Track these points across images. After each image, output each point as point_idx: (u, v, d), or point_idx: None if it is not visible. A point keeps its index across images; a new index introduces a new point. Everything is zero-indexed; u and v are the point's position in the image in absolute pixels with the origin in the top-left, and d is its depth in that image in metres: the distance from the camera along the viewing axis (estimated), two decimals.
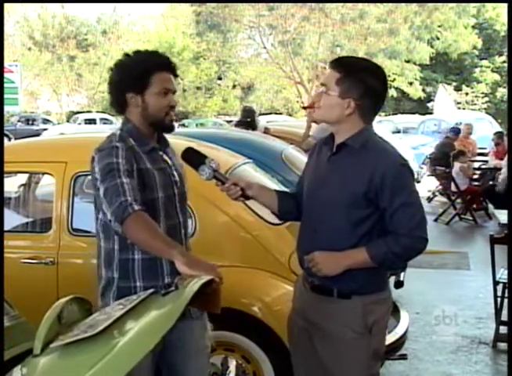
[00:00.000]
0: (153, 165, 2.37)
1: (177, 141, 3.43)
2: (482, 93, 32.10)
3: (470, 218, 9.79)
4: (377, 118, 21.90)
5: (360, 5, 27.28)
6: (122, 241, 2.32)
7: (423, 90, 32.25)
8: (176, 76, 2.45)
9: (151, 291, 1.84)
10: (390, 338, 3.37)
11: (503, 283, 4.67)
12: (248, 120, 7.37)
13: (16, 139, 21.14)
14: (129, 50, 2.55)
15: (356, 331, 2.30)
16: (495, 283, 4.69)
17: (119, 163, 2.24)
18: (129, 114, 2.42)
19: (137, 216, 2.14)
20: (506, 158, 10.78)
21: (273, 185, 3.81)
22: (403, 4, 27.50)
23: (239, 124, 7.65)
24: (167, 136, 2.57)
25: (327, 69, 2.35)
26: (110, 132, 2.45)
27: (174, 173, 2.46)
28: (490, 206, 9.93)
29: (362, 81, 2.25)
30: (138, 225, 2.13)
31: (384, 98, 2.35)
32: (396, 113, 28.84)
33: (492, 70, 33.93)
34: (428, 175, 12.66)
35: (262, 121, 8.32)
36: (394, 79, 30.38)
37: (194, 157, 2.41)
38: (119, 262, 2.34)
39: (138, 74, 2.34)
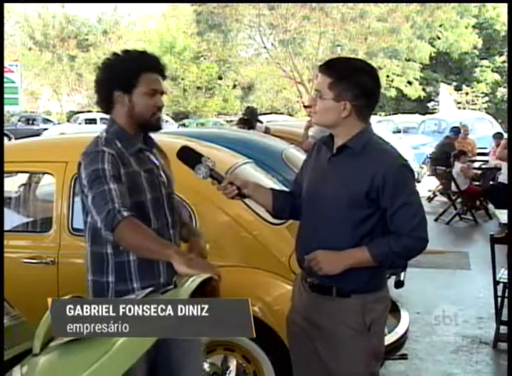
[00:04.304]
0: (140, 167, 2.36)
1: (175, 140, 3.44)
2: (482, 93, 32.08)
3: (471, 217, 9.78)
4: (377, 118, 21.98)
5: (361, 5, 27.29)
6: (116, 244, 2.29)
7: (424, 90, 32.24)
8: (164, 77, 2.44)
9: (149, 289, 1.84)
10: (390, 338, 3.38)
11: (504, 282, 4.66)
12: (245, 118, 7.46)
13: (16, 138, 21.13)
14: (113, 51, 2.54)
15: (355, 329, 2.31)
16: (496, 282, 4.69)
17: (105, 169, 2.23)
18: (115, 114, 2.40)
19: (127, 222, 2.13)
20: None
21: (273, 185, 3.81)
22: (403, 3, 27.51)
23: (238, 122, 7.73)
24: (158, 136, 2.57)
25: (318, 73, 2.35)
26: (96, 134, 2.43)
27: (162, 174, 2.45)
28: (490, 206, 9.93)
29: (354, 82, 2.26)
30: (130, 231, 2.12)
31: (379, 95, 2.36)
32: (396, 113, 28.82)
33: (493, 70, 33.91)
34: (428, 175, 12.65)
35: (263, 122, 8.33)
36: (393, 80, 30.38)
37: (190, 156, 2.41)
38: (114, 266, 2.32)
39: (127, 73, 2.33)
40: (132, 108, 2.35)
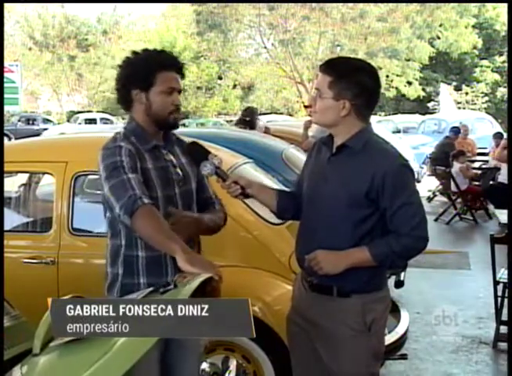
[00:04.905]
0: (154, 164, 2.40)
1: None
2: (482, 93, 32.06)
3: (471, 217, 9.78)
4: (377, 118, 21.95)
5: (361, 5, 27.29)
6: (128, 238, 2.34)
7: (423, 90, 32.24)
8: (183, 75, 2.47)
9: (150, 289, 1.85)
10: (390, 338, 3.38)
11: (504, 282, 4.66)
12: (247, 119, 7.43)
13: (16, 138, 21.14)
14: (132, 49, 2.57)
15: (355, 329, 2.31)
16: (496, 282, 4.69)
17: (123, 161, 2.28)
18: (134, 112, 2.45)
19: (146, 210, 2.18)
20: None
21: (273, 185, 3.81)
22: (403, 3, 27.51)
23: (238, 123, 7.70)
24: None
25: (318, 73, 2.36)
26: (113, 132, 2.48)
27: (179, 172, 2.47)
28: (490, 206, 9.93)
29: (354, 81, 2.26)
30: (147, 219, 2.17)
31: (378, 95, 2.36)
32: (396, 113, 28.81)
33: (492, 70, 33.89)
34: (428, 175, 12.65)
35: (263, 121, 8.32)
36: (393, 80, 30.38)
37: (197, 152, 2.44)
38: (124, 259, 2.37)
39: (144, 72, 2.37)
40: (150, 106, 2.39)
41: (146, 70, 2.37)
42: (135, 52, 2.48)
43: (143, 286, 2.30)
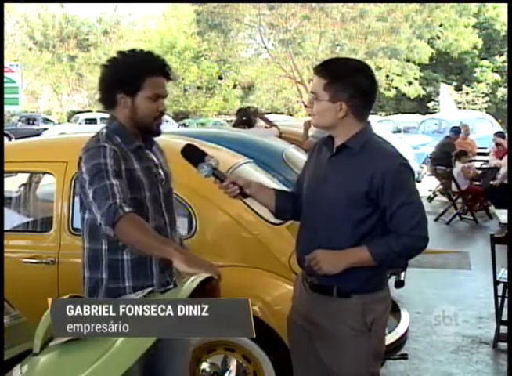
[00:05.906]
0: (140, 164, 2.36)
1: (177, 140, 3.44)
2: (482, 93, 32.06)
3: (471, 217, 9.78)
4: (377, 118, 21.92)
5: (360, 5, 27.31)
6: (111, 242, 2.28)
7: (424, 90, 32.24)
8: (169, 80, 2.41)
9: (149, 289, 1.85)
10: (390, 338, 3.38)
11: (504, 282, 4.66)
12: (244, 119, 7.43)
13: (16, 138, 21.14)
14: (119, 50, 2.50)
15: (355, 329, 2.31)
16: (496, 282, 4.69)
17: (107, 164, 2.22)
18: (117, 112, 2.39)
19: (128, 218, 2.12)
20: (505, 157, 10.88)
21: (274, 185, 3.81)
22: (403, 3, 27.55)
23: (236, 124, 7.69)
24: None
25: (313, 75, 2.35)
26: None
27: (160, 172, 2.45)
28: (491, 206, 9.92)
29: (349, 82, 2.26)
30: (131, 227, 2.12)
31: (375, 94, 2.35)
32: (396, 113, 28.81)
33: (493, 70, 33.90)
34: (429, 175, 12.65)
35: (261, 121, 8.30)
36: (393, 80, 30.39)
37: (194, 154, 2.42)
38: (108, 263, 2.32)
39: (132, 76, 2.30)
40: (135, 111, 2.34)
41: (134, 74, 2.30)
42: (122, 53, 2.40)
43: (128, 290, 2.28)
